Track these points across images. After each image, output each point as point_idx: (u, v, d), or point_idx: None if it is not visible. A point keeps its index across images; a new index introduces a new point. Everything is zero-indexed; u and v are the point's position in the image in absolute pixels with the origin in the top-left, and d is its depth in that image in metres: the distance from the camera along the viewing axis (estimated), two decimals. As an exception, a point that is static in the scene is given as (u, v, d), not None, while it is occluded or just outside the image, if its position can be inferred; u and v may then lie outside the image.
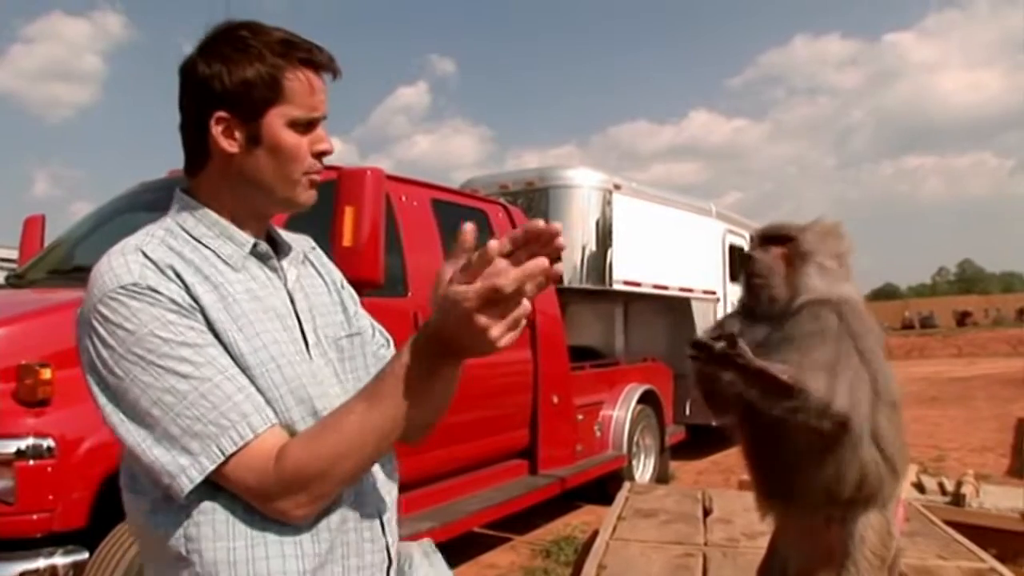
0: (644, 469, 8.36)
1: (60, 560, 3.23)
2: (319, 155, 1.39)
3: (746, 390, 2.14)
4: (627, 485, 5.57)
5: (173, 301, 1.23)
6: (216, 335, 1.25)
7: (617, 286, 8.36)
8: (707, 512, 4.46)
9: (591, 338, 9.77)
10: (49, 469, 3.18)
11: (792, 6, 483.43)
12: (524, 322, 1.15)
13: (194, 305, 1.25)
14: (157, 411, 1.19)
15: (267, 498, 1.21)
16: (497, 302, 1.10)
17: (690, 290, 9.79)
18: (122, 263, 1.26)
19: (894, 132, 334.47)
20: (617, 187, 8.45)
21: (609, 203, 8.29)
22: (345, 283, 1.61)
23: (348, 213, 4.10)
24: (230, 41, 1.34)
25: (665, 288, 9.20)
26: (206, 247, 1.34)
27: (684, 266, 9.66)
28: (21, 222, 5.80)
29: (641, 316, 10.30)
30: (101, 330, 1.22)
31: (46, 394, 3.25)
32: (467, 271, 1.11)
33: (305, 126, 1.36)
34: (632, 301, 9.84)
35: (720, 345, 2.13)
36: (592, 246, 8.14)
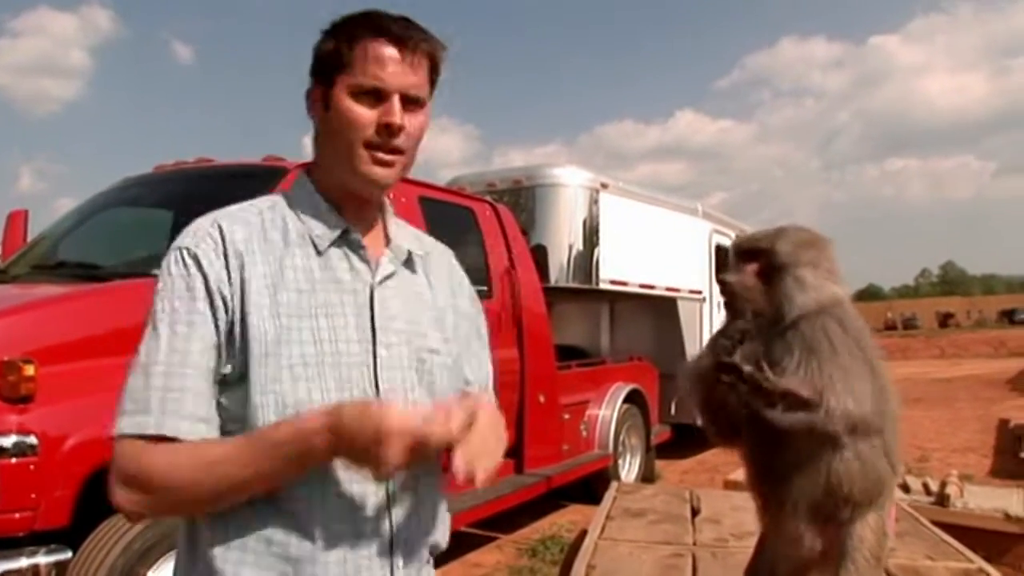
0: (630, 468, 8.37)
1: (43, 559, 3.19)
2: (386, 128, 1.37)
3: (766, 410, 2.15)
4: (615, 484, 5.55)
5: (204, 279, 1.30)
6: (244, 314, 1.30)
7: (603, 285, 8.33)
8: (695, 512, 4.45)
9: (577, 337, 9.77)
10: (32, 467, 3.14)
11: (779, 8, 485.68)
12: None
13: (220, 291, 1.30)
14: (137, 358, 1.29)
15: (117, 481, 1.25)
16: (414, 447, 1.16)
17: (676, 290, 9.79)
18: (197, 225, 1.37)
19: (879, 134, 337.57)
20: (604, 186, 8.43)
21: (596, 202, 8.26)
22: (465, 310, 1.59)
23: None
24: (334, 23, 1.41)
25: (651, 287, 9.18)
26: (302, 223, 1.40)
27: (670, 265, 9.66)
28: (4, 217, 5.76)
29: (627, 315, 10.31)
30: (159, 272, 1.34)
31: (29, 391, 3.20)
32: None
33: (373, 97, 1.37)
34: (618, 300, 9.84)
35: (748, 369, 2.13)
36: (579, 245, 8.11)
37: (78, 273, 4.38)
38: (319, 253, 1.37)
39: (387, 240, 1.47)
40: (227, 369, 1.29)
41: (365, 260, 1.41)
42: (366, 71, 1.35)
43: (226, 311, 1.30)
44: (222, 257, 1.31)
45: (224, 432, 1.28)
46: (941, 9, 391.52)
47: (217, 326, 1.29)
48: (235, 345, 1.29)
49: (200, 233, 1.34)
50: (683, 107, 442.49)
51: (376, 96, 1.36)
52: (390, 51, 1.36)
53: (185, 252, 1.32)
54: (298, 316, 1.31)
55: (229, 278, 1.30)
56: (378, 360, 1.36)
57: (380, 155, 1.38)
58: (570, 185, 8.17)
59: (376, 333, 1.37)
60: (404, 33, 1.38)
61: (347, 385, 1.32)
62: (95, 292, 3.87)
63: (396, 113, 1.36)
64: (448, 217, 5.89)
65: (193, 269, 1.30)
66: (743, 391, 2.18)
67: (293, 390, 1.28)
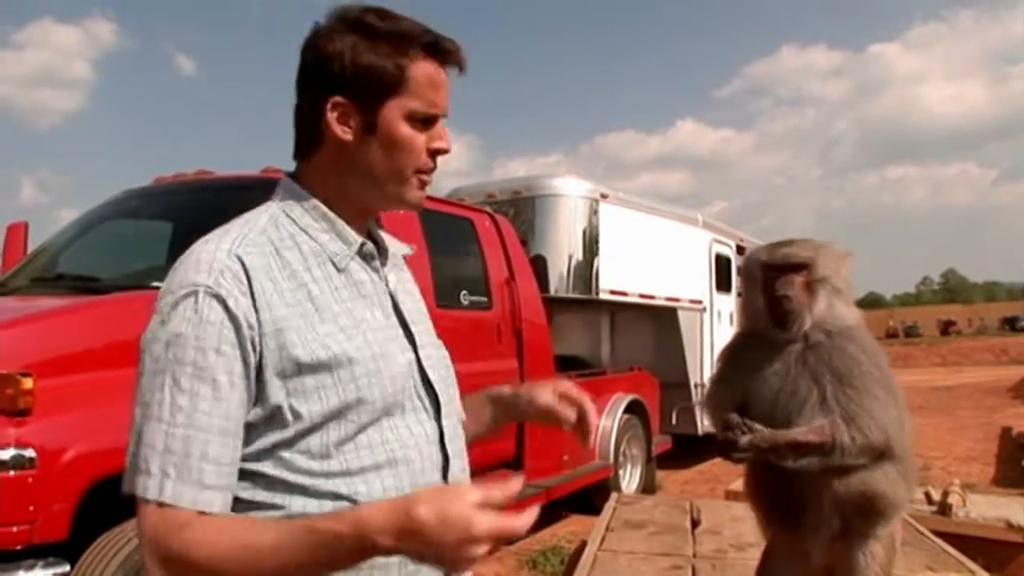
0: (630, 479, 8.34)
1: (41, 573, 3.17)
2: (435, 153, 1.34)
3: (779, 461, 2.17)
4: (614, 496, 5.55)
5: (234, 324, 1.17)
6: (263, 353, 1.19)
7: (603, 295, 8.33)
8: (695, 523, 4.44)
9: (577, 347, 9.74)
10: (30, 480, 3.12)
11: (779, 16, 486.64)
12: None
13: (251, 337, 1.18)
14: (141, 410, 1.17)
15: (153, 558, 1.13)
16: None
17: (677, 299, 9.78)
18: (210, 256, 1.21)
19: (879, 142, 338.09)
20: (604, 196, 8.43)
21: (596, 212, 8.26)
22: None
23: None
24: (356, 23, 1.29)
25: (652, 297, 9.18)
26: (312, 240, 1.31)
27: (671, 275, 9.65)
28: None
29: (628, 325, 10.29)
30: (153, 320, 1.20)
31: (27, 404, 3.19)
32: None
33: (424, 121, 1.31)
34: (619, 310, 9.82)
35: (744, 439, 2.16)
36: (579, 255, 8.11)
37: (77, 286, 4.37)
38: (339, 270, 1.31)
39: (375, 243, 1.41)
40: (287, 412, 1.20)
41: (376, 270, 1.37)
42: (425, 96, 1.30)
43: (258, 356, 1.19)
44: (248, 295, 1.19)
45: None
46: (940, 17, 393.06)
47: (248, 379, 1.18)
48: (282, 385, 1.20)
49: (218, 267, 1.19)
50: (684, 116, 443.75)
51: (426, 120, 1.31)
52: (442, 74, 1.32)
53: (205, 292, 1.17)
54: (347, 339, 1.24)
55: (259, 318, 1.19)
56: (423, 363, 1.36)
57: (425, 179, 1.35)
58: (570, 195, 8.17)
59: (414, 337, 1.36)
60: (458, 55, 1.33)
61: (402, 396, 1.30)
62: (94, 305, 3.86)
63: (448, 138, 1.34)
64: (447, 228, 5.89)
65: (219, 313, 1.17)
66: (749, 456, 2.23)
67: (358, 418, 1.23)
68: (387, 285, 1.38)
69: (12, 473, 3.11)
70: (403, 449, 1.28)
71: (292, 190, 1.35)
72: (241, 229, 1.27)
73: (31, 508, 3.14)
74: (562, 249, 8.02)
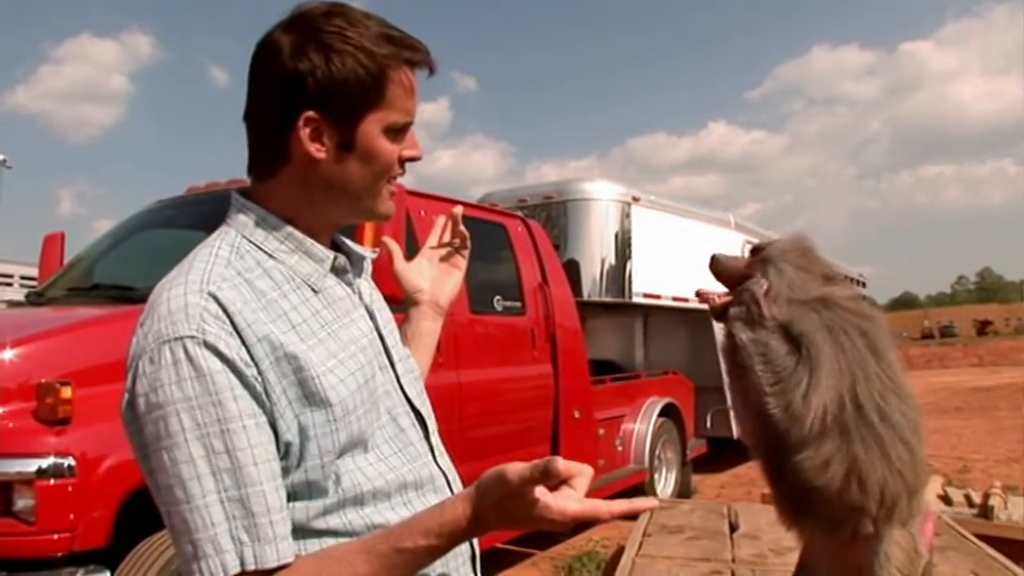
0: (666, 483, 8.31)
1: (81, 580, 3.20)
2: (406, 161, 1.28)
3: (745, 331, 2.12)
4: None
5: (233, 370, 1.07)
6: (267, 390, 1.10)
7: (636, 299, 8.31)
8: (733, 527, 4.40)
9: (611, 351, 9.71)
10: (70, 488, 3.16)
11: (810, 17, 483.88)
12: None
13: (253, 376, 1.08)
14: (178, 492, 1.05)
15: None
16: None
17: (710, 302, 9.72)
18: (182, 302, 1.09)
19: (913, 141, 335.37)
20: (636, 199, 8.41)
21: (628, 215, 8.24)
22: None
23: (368, 228, 4.09)
24: (324, 31, 1.17)
25: (685, 300, 9.12)
26: (281, 264, 1.21)
27: (703, 278, 9.58)
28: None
29: (661, 329, 10.24)
30: (138, 386, 1.10)
31: (67, 412, 3.23)
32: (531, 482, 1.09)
33: (398, 131, 1.23)
34: (652, 314, 9.78)
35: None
36: (611, 259, 8.10)
37: (113, 295, 4.41)
38: (315, 292, 1.22)
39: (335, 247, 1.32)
40: (296, 450, 1.12)
41: (349, 283, 1.30)
42: (402, 106, 1.22)
43: (264, 392, 1.09)
44: (235, 335, 1.08)
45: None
46: (974, 13, 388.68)
47: (266, 416, 1.09)
48: (293, 418, 1.11)
49: (195, 312, 1.08)
50: (715, 118, 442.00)
51: (401, 130, 1.24)
52: (415, 79, 1.24)
53: (194, 343, 1.06)
54: (338, 364, 1.17)
55: (252, 355, 1.08)
56: (400, 377, 1.32)
57: (392, 189, 1.29)
58: (601, 199, 8.16)
59: (390, 351, 1.32)
60: (430, 59, 1.25)
61: (392, 413, 1.27)
62: (131, 314, 3.89)
63: (419, 146, 1.28)
64: (480, 234, 5.84)
65: (216, 362, 1.06)
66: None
67: (362, 446, 1.19)
68: (361, 298, 1.31)
69: (52, 481, 3.14)
70: (409, 469, 1.26)
71: (251, 211, 1.25)
72: (204, 265, 1.16)
73: (71, 516, 3.17)
74: (594, 253, 8.01)
